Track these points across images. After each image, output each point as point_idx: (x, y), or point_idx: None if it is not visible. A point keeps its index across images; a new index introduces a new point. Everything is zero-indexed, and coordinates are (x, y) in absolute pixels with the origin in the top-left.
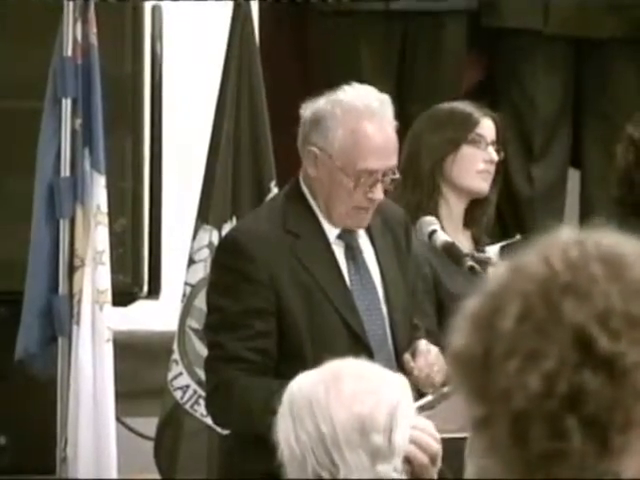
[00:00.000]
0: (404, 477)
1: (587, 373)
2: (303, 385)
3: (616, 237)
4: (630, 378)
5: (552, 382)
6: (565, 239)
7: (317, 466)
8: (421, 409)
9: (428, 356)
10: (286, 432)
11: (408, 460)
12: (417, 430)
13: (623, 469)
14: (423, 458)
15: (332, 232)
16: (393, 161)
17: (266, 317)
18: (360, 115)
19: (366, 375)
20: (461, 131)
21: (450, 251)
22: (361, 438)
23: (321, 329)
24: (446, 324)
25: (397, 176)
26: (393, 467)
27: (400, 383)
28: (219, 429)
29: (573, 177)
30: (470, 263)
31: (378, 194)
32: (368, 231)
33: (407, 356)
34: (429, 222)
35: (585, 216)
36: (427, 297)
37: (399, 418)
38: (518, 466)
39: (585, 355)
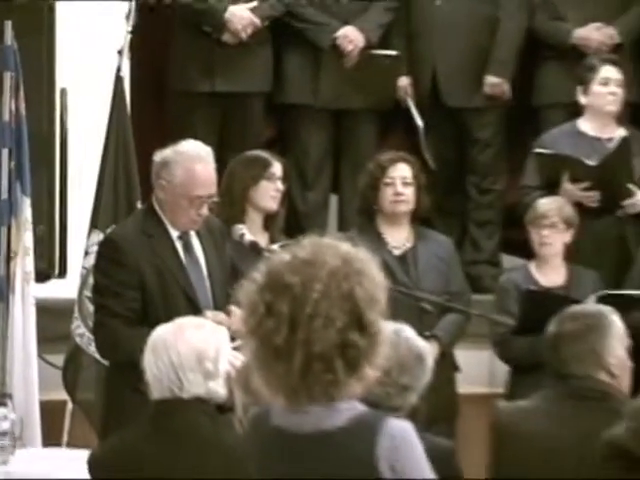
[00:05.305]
0: (226, 390)
1: (355, 332)
2: (160, 332)
3: (347, 245)
4: (376, 336)
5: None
6: (329, 241)
7: (170, 384)
8: (234, 348)
9: (237, 315)
10: (149, 363)
11: (228, 377)
12: (232, 357)
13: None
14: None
15: (174, 234)
16: (213, 190)
17: (134, 289)
18: (193, 160)
19: (200, 326)
20: (260, 170)
21: (254, 247)
22: (198, 364)
23: (168, 296)
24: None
25: (216, 199)
26: (219, 383)
27: (221, 331)
28: (104, 362)
29: (333, 200)
30: (267, 255)
31: (204, 211)
32: (198, 235)
33: (223, 315)
34: (239, 228)
35: (341, 226)
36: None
37: (222, 352)
38: (293, 389)
39: (355, 320)
